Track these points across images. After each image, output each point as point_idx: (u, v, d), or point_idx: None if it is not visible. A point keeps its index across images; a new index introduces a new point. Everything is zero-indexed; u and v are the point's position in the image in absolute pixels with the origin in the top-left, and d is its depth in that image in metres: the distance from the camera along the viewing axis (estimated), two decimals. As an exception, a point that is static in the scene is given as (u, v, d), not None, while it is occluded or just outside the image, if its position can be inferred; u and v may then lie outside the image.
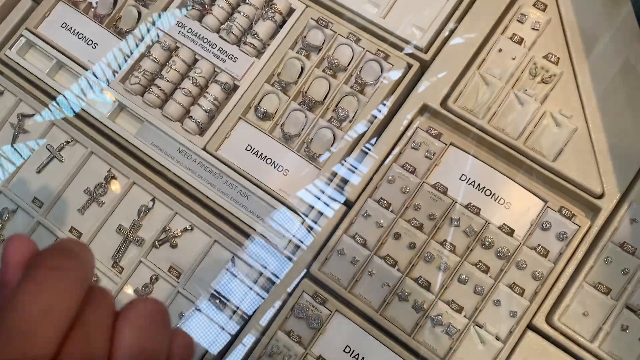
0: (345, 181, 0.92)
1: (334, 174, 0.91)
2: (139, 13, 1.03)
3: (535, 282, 0.84)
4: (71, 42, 1.03)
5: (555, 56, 0.91)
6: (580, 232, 0.84)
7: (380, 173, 0.90)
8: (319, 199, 0.91)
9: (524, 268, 0.84)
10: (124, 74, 1.00)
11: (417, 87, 0.94)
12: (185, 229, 0.93)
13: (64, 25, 1.05)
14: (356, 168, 0.92)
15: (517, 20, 0.94)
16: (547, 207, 0.86)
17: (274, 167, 0.93)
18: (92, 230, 0.95)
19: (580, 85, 0.89)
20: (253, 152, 0.94)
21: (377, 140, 0.92)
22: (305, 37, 0.98)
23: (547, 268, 0.84)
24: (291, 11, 1.00)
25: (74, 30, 1.04)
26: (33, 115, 1.02)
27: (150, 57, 1.00)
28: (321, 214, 0.91)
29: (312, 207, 0.91)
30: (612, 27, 0.92)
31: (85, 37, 1.03)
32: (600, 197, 0.85)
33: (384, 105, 0.93)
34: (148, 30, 1.01)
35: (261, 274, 0.88)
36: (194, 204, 0.94)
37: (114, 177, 0.97)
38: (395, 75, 0.94)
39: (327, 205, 0.90)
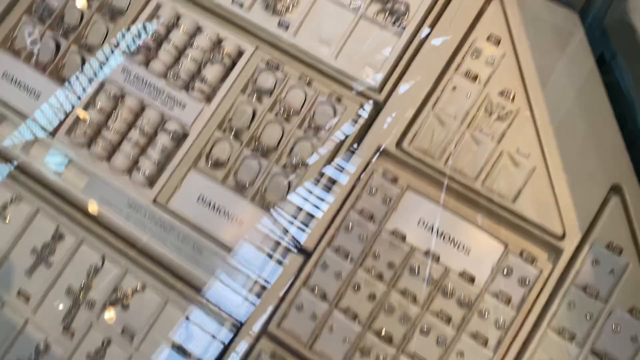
0: (302, 229, 0.89)
1: (290, 223, 0.88)
2: (83, 60, 0.99)
3: (498, 331, 0.81)
4: (12, 92, 0.99)
5: (511, 92, 0.89)
6: (542, 276, 0.82)
7: (337, 220, 0.87)
8: (273, 252, 0.87)
9: (486, 317, 0.82)
10: (69, 126, 0.96)
11: (371, 129, 0.91)
12: (136, 290, 0.89)
13: (4, 74, 1.00)
14: (312, 216, 0.89)
15: (471, 55, 0.91)
16: (508, 251, 0.83)
17: (228, 219, 0.90)
18: (41, 293, 0.91)
19: (538, 122, 0.87)
20: (205, 203, 0.91)
21: (333, 185, 0.89)
22: (256, 80, 0.95)
23: (509, 316, 0.81)
24: (240, 53, 0.97)
25: (15, 79, 1.00)
26: (-26, 173, 0.97)
27: (96, 107, 0.96)
28: (280, 262, 0.88)
29: (270, 257, 0.88)
30: (568, 61, 0.90)
31: (27, 86, 0.99)
32: (562, 238, 0.83)
33: (339, 148, 0.90)
34: (92, 79, 0.97)
35: (216, 334, 0.85)
36: (146, 261, 0.90)
37: (62, 236, 0.93)
38: (349, 117, 0.91)
39: (284, 258, 0.87)
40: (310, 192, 0.89)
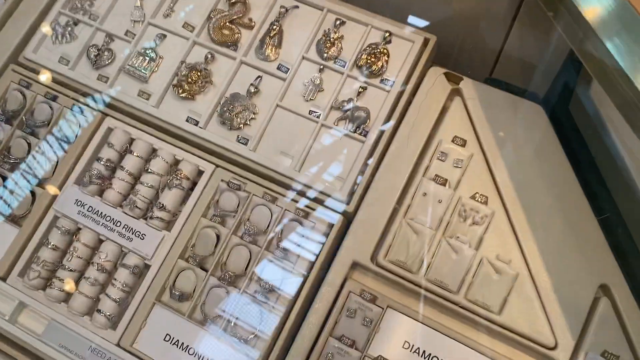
0: (279, 362, 0.83)
1: (267, 357, 0.82)
2: (33, 194, 0.93)
3: None
4: (-41, 236, 0.93)
5: (483, 195, 0.85)
6: (539, 393, 0.77)
7: (316, 350, 0.82)
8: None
9: None
10: (22, 268, 0.90)
11: (343, 244, 0.86)
12: None
13: (-50, 217, 0.94)
14: (288, 350, 0.83)
15: (438, 158, 0.88)
16: (501, 368, 0.78)
17: (199, 358, 0.83)
18: None
19: (515, 225, 0.84)
20: (173, 342, 0.84)
21: (308, 311, 0.84)
22: (217, 201, 0.90)
23: None
24: (200, 173, 0.92)
25: (-38, 221, 0.93)
26: None
27: (49, 245, 0.90)
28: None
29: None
30: (538, 155, 0.87)
31: (-26, 228, 0.93)
32: (554, 348, 0.79)
33: (311, 269, 0.85)
34: (43, 215, 0.92)
35: None
36: (113, 414, 0.83)
37: (19, 393, 0.85)
38: (319, 233, 0.87)
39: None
40: (287, 318, 0.84)
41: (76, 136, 0.95)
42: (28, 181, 0.94)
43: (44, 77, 0.99)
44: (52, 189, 0.93)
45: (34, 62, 1.00)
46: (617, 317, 0.79)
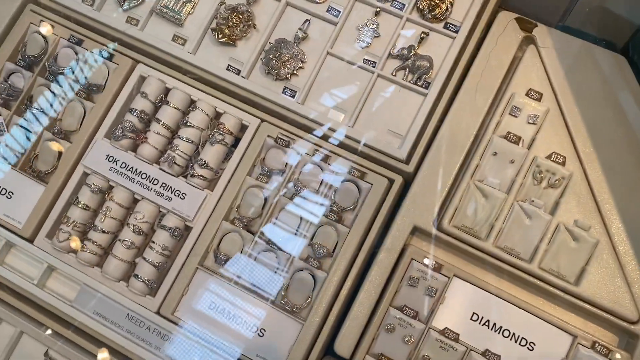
0: (334, 333, 0.76)
1: (320, 327, 0.76)
2: (59, 150, 0.85)
3: None
4: (-20, 193, 0.85)
5: (560, 155, 0.77)
6: (620, 370, 0.71)
7: (375, 320, 0.75)
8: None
9: None
10: (50, 228, 0.82)
11: (403, 207, 0.79)
12: (148, 422, 0.76)
13: (-31, 172, 0.86)
14: (344, 316, 0.76)
15: (510, 114, 0.80)
16: (578, 343, 0.72)
17: (247, 327, 0.77)
18: None
19: (595, 188, 0.76)
20: (218, 309, 0.78)
21: (364, 278, 0.77)
22: (263, 159, 0.82)
23: (589, 421, 0.70)
24: (243, 128, 0.84)
25: (-18, 177, 0.85)
26: (-57, 291, 0.83)
27: (79, 204, 0.82)
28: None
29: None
30: (619, 110, 0.79)
31: (-4, 185, 0.85)
32: (636, 322, 0.72)
33: (368, 234, 0.78)
34: (71, 172, 0.84)
35: None
36: (155, 385, 0.77)
37: (52, 362, 0.79)
38: (376, 196, 0.79)
39: (317, 370, 0.75)
40: (342, 285, 0.77)
41: (104, 85, 0.86)
42: (53, 133, 0.86)
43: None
44: (79, 143, 0.84)
45: (54, 1, 0.90)
46: None
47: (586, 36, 0.86)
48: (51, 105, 0.87)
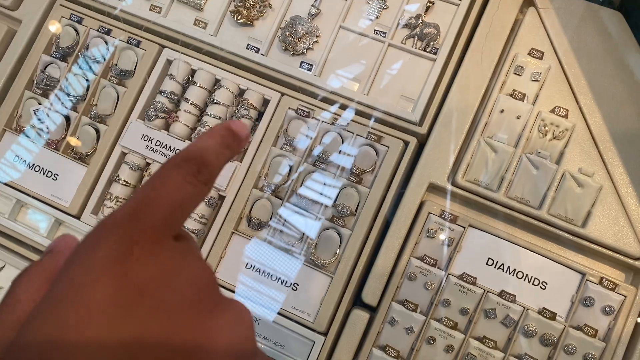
0: (361, 284, 0.83)
1: (349, 279, 0.83)
2: (97, 131, 0.92)
3: (590, 366, 0.77)
4: (28, 176, 0.92)
5: (563, 109, 0.83)
6: (627, 302, 0.77)
7: (398, 270, 0.82)
8: (336, 311, 0.82)
9: (573, 353, 0.77)
10: (95, 205, 0.90)
11: (418, 166, 0.85)
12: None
13: (17, 158, 0.93)
14: (369, 268, 0.83)
15: (515, 73, 0.85)
16: (586, 280, 0.78)
17: (281, 283, 0.84)
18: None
19: (596, 137, 0.82)
20: (255, 268, 0.85)
21: (386, 233, 0.84)
22: (286, 129, 0.89)
23: (598, 349, 0.76)
24: (266, 103, 0.90)
25: (29, 162, 0.93)
26: (3, 267, 0.91)
27: (120, 181, 0.89)
28: (341, 329, 0.82)
29: (331, 322, 0.82)
30: (618, 64, 0.84)
31: (42, 168, 0.92)
32: (640, 258, 0.78)
33: (387, 192, 0.85)
34: (110, 152, 0.91)
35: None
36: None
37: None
38: (392, 157, 0.85)
39: (347, 316, 0.82)
40: (366, 241, 0.84)
41: (134, 70, 0.93)
42: (90, 118, 0.93)
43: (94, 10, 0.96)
44: (115, 125, 0.91)
45: (82, -5, 0.97)
46: None
47: (584, -4, 0.91)
48: (86, 92, 0.94)
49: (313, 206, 0.86)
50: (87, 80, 0.94)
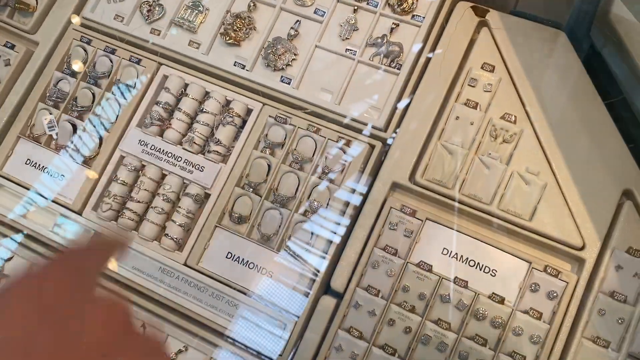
0: (330, 272, 0.92)
1: (317, 269, 0.92)
2: (100, 138, 1.04)
3: (534, 346, 0.83)
4: (37, 177, 1.04)
5: (512, 115, 0.92)
6: (569, 287, 0.84)
7: (362, 260, 0.90)
8: (307, 296, 0.90)
9: (520, 334, 0.84)
10: (95, 202, 1.01)
11: (383, 166, 0.95)
12: (179, 351, 0.92)
13: (29, 161, 1.05)
14: (338, 257, 0.92)
15: (469, 84, 0.96)
16: (532, 268, 0.86)
17: (258, 271, 0.93)
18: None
19: (542, 140, 0.91)
20: (234, 258, 0.94)
21: (353, 225, 0.93)
22: (267, 135, 0.99)
23: (543, 330, 0.83)
24: (249, 112, 1.01)
25: (39, 164, 1.04)
26: (12, 258, 1.01)
27: (118, 180, 1.00)
28: (312, 313, 0.90)
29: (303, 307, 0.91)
30: (561, 76, 0.94)
31: (51, 170, 1.04)
32: (582, 248, 0.86)
33: (354, 190, 0.94)
34: (110, 156, 1.02)
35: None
36: (185, 322, 0.93)
37: (101, 309, 0.96)
38: (359, 158, 0.95)
39: (317, 302, 0.90)
40: (334, 233, 0.93)
41: (135, 84, 1.05)
42: (94, 126, 1.05)
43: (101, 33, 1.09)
44: (116, 132, 1.03)
45: (92, 20, 1.10)
46: (640, 217, 0.86)
47: (535, 17, 1.01)
48: (92, 103, 1.06)
49: (287, 202, 0.95)
50: (92, 93, 1.06)
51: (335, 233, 0.93)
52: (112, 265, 0.97)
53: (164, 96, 1.03)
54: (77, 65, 1.08)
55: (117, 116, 1.04)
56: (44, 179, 1.04)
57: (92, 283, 0.42)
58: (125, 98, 1.05)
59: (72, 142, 1.05)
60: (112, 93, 1.06)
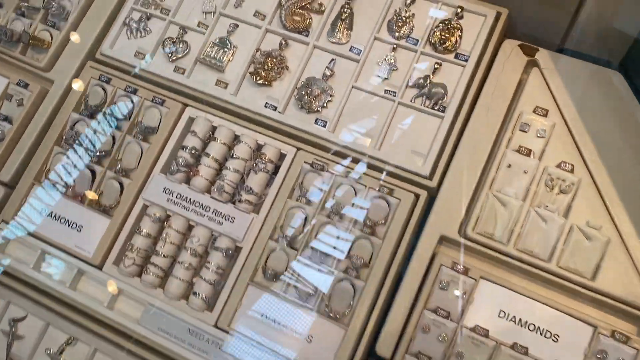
0: (375, 336, 0.84)
1: (362, 331, 0.84)
2: (121, 185, 0.97)
3: (606, 422, 0.76)
4: (53, 227, 0.96)
5: (568, 164, 0.86)
6: (640, 355, 0.78)
7: (411, 322, 0.83)
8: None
9: (589, 407, 0.77)
10: (117, 256, 0.93)
11: (429, 218, 0.88)
12: None
13: (44, 210, 0.97)
14: (384, 319, 0.85)
15: (520, 129, 0.89)
16: (598, 332, 0.79)
17: (297, 335, 0.86)
18: None
19: (602, 191, 0.84)
20: (270, 320, 0.87)
21: (400, 284, 0.86)
22: (302, 182, 0.92)
23: (614, 404, 0.76)
24: (282, 157, 0.94)
25: (55, 214, 0.97)
26: (25, 317, 0.93)
27: (141, 233, 0.93)
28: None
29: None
30: (620, 120, 0.87)
31: (67, 220, 0.96)
32: (652, 310, 0.79)
33: (400, 244, 0.87)
34: (132, 205, 0.95)
35: None
36: (217, 391, 0.86)
37: (124, 375, 0.88)
38: (404, 210, 0.88)
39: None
40: (379, 293, 0.86)
41: (158, 127, 0.98)
42: (115, 172, 0.97)
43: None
44: (139, 179, 0.96)
45: (111, 57, 1.03)
46: None
47: (586, 56, 0.95)
48: (112, 147, 0.99)
49: (326, 259, 0.88)
50: (112, 137, 0.99)
51: (379, 293, 0.86)
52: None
53: (191, 140, 0.96)
54: (95, 106, 1.01)
55: (139, 162, 0.97)
56: (59, 228, 0.96)
57: None
58: (148, 142, 0.98)
59: (90, 189, 0.97)
60: (134, 136, 0.99)
